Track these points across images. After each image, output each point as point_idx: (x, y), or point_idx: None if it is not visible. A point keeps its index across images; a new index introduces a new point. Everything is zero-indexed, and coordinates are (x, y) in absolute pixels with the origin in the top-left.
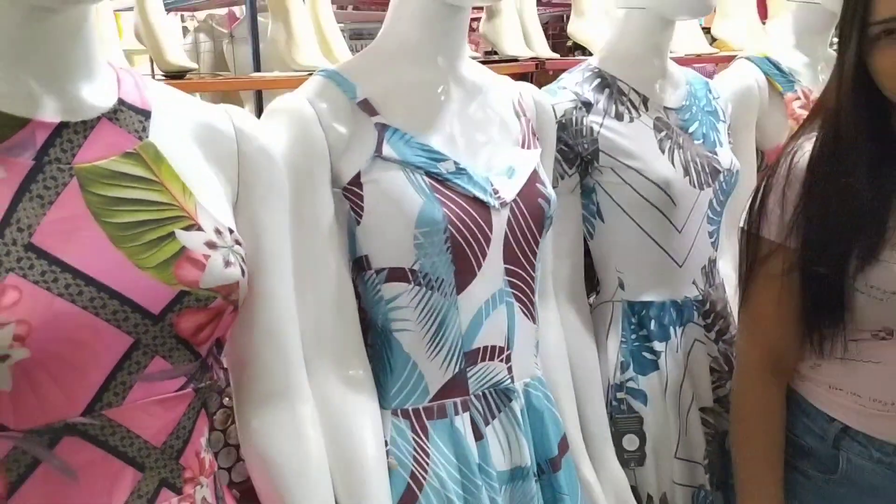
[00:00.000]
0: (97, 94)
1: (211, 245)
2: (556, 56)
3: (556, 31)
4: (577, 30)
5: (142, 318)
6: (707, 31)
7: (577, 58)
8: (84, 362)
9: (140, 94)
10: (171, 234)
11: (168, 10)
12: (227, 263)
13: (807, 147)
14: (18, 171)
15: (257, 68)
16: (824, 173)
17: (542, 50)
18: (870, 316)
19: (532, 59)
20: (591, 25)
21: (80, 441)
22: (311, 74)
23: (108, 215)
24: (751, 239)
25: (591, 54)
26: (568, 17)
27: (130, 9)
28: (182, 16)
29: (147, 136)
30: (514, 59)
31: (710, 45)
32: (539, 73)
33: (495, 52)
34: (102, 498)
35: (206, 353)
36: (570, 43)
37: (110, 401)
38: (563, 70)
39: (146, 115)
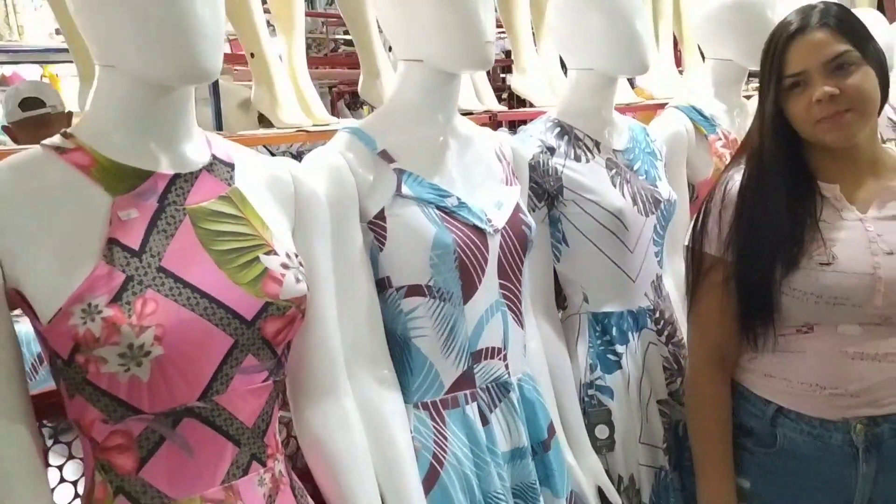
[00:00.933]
0: (196, 151)
1: (285, 266)
2: (506, 109)
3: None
4: (519, 84)
5: (239, 323)
6: (630, 81)
7: (524, 110)
8: (200, 358)
9: (226, 150)
10: (257, 258)
11: None
12: (298, 280)
13: (736, 178)
14: (147, 211)
15: (219, 127)
16: (752, 199)
17: (492, 103)
18: (794, 314)
19: (486, 111)
20: (531, 80)
21: (196, 422)
22: (297, 131)
23: (213, 244)
24: (695, 255)
25: (531, 105)
26: (494, 70)
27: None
28: None
29: (234, 183)
30: (469, 113)
31: (633, 91)
32: (492, 125)
33: None
34: (210, 468)
35: (281, 352)
36: (504, 94)
37: (218, 389)
38: (514, 121)
39: (232, 167)
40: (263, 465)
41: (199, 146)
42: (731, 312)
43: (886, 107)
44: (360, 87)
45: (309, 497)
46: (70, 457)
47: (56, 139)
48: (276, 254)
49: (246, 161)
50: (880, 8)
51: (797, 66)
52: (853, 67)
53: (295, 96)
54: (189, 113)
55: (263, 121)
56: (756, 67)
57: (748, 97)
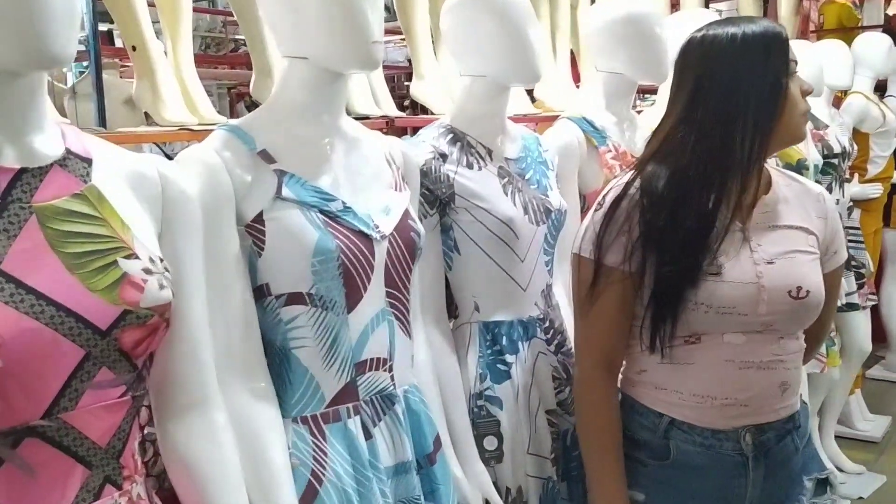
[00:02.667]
0: (48, 145)
1: (147, 271)
2: (404, 114)
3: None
4: (417, 90)
5: (92, 333)
6: (530, 93)
7: (423, 116)
8: (45, 371)
9: (82, 144)
10: (115, 262)
11: None
12: (161, 286)
13: (622, 183)
14: None
15: (102, 124)
16: (655, 205)
17: (390, 108)
18: (684, 324)
19: (382, 116)
20: (430, 86)
21: (39, 442)
22: (180, 129)
23: (63, 246)
24: (591, 264)
25: (430, 112)
26: (398, 78)
27: None
28: None
29: (90, 180)
30: (366, 117)
31: (532, 104)
32: (390, 130)
33: (347, 112)
34: (57, 493)
35: (141, 365)
36: (406, 102)
37: (65, 405)
38: (410, 126)
39: (89, 162)
40: (119, 487)
41: (50, 139)
42: (624, 323)
43: (830, 108)
44: (251, 86)
45: None
46: None
47: None
48: (137, 258)
49: (106, 156)
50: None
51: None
52: None
53: (180, 93)
54: (40, 102)
55: (150, 119)
56: (644, 81)
57: (639, 112)
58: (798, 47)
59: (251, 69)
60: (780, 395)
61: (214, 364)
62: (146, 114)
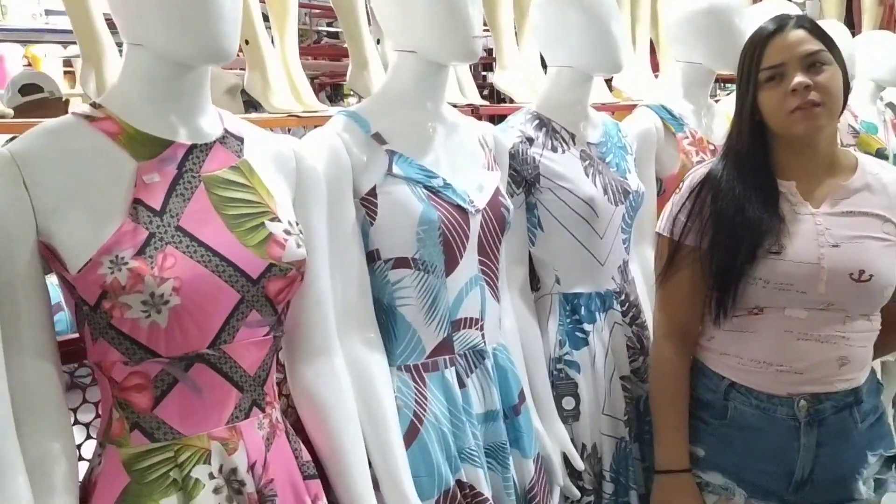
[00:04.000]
0: (211, 126)
1: (287, 232)
2: (487, 103)
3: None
4: (501, 80)
5: (246, 280)
6: (609, 82)
7: (505, 105)
8: (211, 309)
9: (236, 126)
10: (263, 224)
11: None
12: (298, 245)
13: (701, 170)
14: (168, 177)
15: None
16: (722, 192)
17: (474, 97)
18: (747, 298)
19: (468, 105)
20: (513, 76)
21: (205, 367)
22: (288, 115)
23: (224, 209)
24: (668, 243)
25: (511, 101)
26: (476, 68)
27: None
28: None
29: (243, 156)
30: (453, 105)
31: (611, 93)
32: (473, 118)
33: None
34: (217, 410)
35: (281, 311)
36: (486, 91)
37: (225, 339)
38: (495, 114)
39: (241, 140)
40: (262, 410)
41: (213, 121)
42: (696, 296)
43: (847, 113)
44: (348, 77)
45: (301, 443)
46: (84, 401)
47: (86, 109)
48: (279, 221)
49: (253, 136)
50: (848, 22)
51: (775, 59)
52: (825, 66)
53: (286, 83)
54: (206, 90)
55: (248, 108)
56: (723, 70)
57: (717, 101)
58: (879, 37)
59: (333, 60)
60: (838, 369)
61: (334, 317)
62: (245, 102)
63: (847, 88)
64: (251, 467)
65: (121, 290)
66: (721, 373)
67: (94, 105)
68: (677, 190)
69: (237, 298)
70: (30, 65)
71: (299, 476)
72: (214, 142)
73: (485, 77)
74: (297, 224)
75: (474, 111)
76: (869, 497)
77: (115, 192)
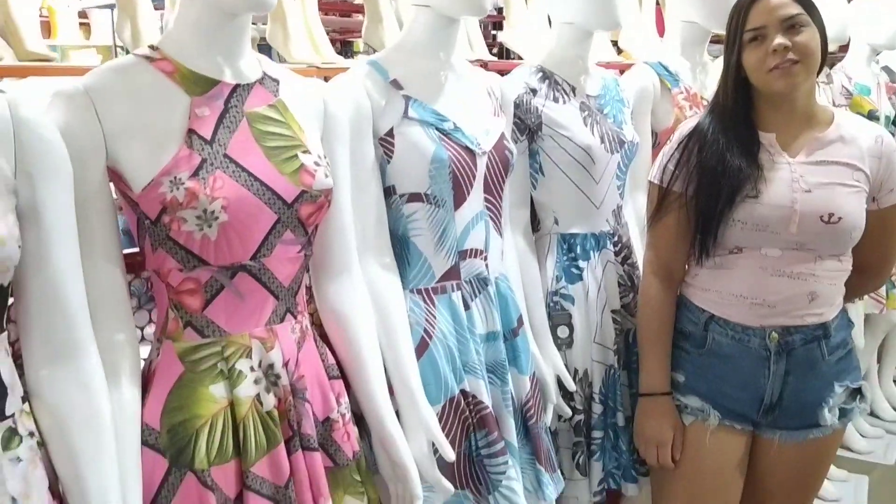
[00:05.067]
0: (251, 68)
1: (317, 164)
2: (494, 58)
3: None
4: (508, 37)
5: (282, 204)
6: (616, 44)
7: (512, 61)
8: (253, 226)
9: (273, 69)
10: (296, 155)
11: None
12: (326, 176)
13: (690, 123)
14: (216, 111)
15: None
16: (707, 142)
17: (483, 52)
18: (728, 238)
19: (477, 60)
20: (519, 34)
21: (247, 276)
22: (308, 66)
23: (264, 140)
24: (659, 190)
25: (519, 58)
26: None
27: None
28: None
29: (279, 95)
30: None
31: (618, 55)
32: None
33: None
34: (257, 314)
35: (310, 232)
36: (494, 50)
37: (264, 253)
38: (502, 70)
39: (277, 82)
40: (294, 317)
41: (252, 64)
42: (682, 237)
43: (841, 75)
44: (364, 31)
45: (327, 348)
46: (139, 307)
47: (146, 50)
48: (310, 153)
49: (287, 79)
50: None
51: (757, 22)
52: (804, 28)
53: (306, 35)
54: (247, 36)
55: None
56: (717, 30)
57: (715, 58)
58: (876, 3)
59: (343, 16)
60: (808, 304)
61: (355, 244)
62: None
63: (826, 48)
64: (285, 364)
65: (178, 205)
66: (702, 306)
67: (151, 47)
68: (668, 141)
69: (275, 219)
70: (47, 16)
71: (325, 375)
72: (255, 82)
73: (494, 36)
74: (325, 157)
75: (483, 66)
76: (833, 424)
77: (172, 123)
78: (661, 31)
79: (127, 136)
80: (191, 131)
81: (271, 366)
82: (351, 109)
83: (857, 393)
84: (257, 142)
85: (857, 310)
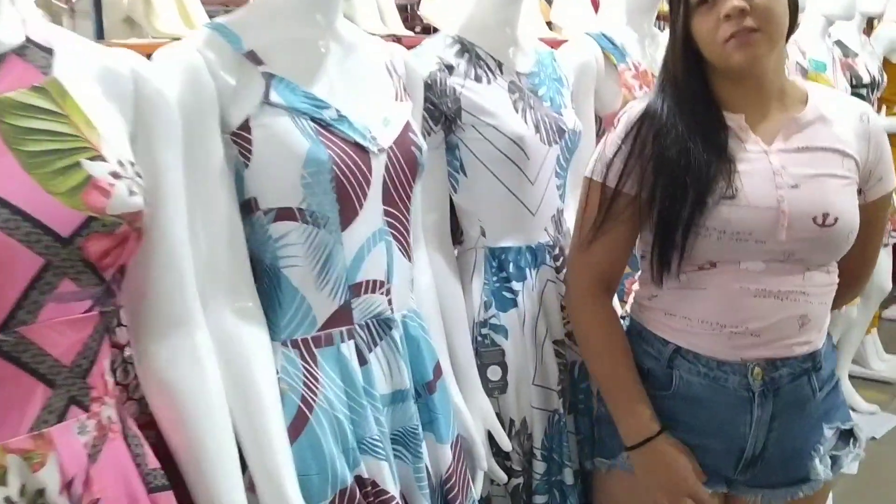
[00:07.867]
0: (4, 31)
1: (115, 175)
2: (411, 34)
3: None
4: (427, 9)
5: (52, 240)
6: (550, 25)
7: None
8: (0, 280)
9: (45, 34)
10: (78, 164)
11: None
12: (131, 192)
13: (636, 107)
14: None
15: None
16: (663, 132)
17: (397, 27)
18: (698, 251)
19: (390, 35)
20: (441, 6)
21: None
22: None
23: (20, 143)
24: (603, 190)
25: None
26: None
27: None
28: None
29: (51, 73)
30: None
31: (550, 31)
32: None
33: None
34: (15, 413)
35: (110, 277)
36: (418, 29)
37: (24, 319)
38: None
39: (50, 52)
40: (86, 409)
41: (8, 25)
42: (626, 247)
43: (795, 49)
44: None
45: (147, 447)
46: None
47: None
48: (103, 160)
49: (72, 48)
50: None
51: None
52: None
53: (174, 4)
54: None
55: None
56: None
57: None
58: None
59: None
60: (798, 330)
61: (197, 282)
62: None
63: (796, 11)
64: (67, 486)
65: None
66: (665, 337)
67: None
68: (612, 128)
69: (39, 264)
70: None
71: (143, 489)
72: (7, 53)
73: (411, 7)
74: (133, 165)
75: (397, 41)
76: (826, 477)
77: None
78: (596, 7)
79: None
80: None
81: (41, 492)
82: (184, 92)
83: (848, 435)
84: (8, 146)
85: None
